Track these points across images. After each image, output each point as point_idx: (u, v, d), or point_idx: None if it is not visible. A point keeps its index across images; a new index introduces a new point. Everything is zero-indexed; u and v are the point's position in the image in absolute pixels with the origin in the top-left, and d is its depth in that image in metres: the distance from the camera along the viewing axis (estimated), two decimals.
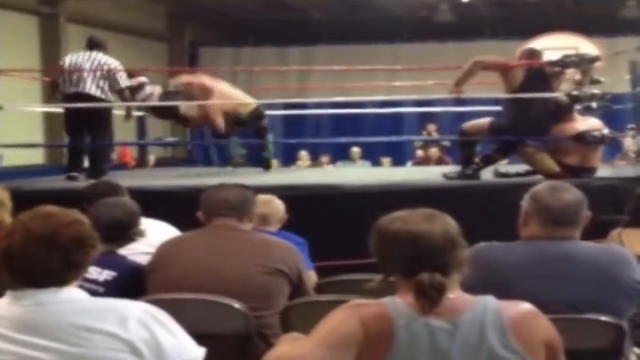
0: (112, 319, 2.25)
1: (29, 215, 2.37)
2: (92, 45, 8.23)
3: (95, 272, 3.44)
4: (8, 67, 10.37)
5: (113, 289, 3.41)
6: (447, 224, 2.38)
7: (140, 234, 3.91)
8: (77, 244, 2.33)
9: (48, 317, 2.26)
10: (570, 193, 3.17)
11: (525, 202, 3.20)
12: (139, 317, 2.28)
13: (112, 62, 8.07)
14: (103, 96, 7.99)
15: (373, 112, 13.01)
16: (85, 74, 7.93)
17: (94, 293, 3.19)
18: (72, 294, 2.33)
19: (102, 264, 3.43)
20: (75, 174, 7.83)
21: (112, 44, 8.36)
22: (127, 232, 3.84)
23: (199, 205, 3.93)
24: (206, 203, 3.87)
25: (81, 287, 2.40)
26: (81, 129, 8.09)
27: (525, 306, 2.35)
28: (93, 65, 7.99)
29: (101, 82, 7.98)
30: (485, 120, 7.03)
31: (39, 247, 2.28)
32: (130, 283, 3.53)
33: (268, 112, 10.47)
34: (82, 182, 7.16)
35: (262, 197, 4.49)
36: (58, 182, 7.88)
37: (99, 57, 8.07)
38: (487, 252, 3.11)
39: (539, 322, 2.35)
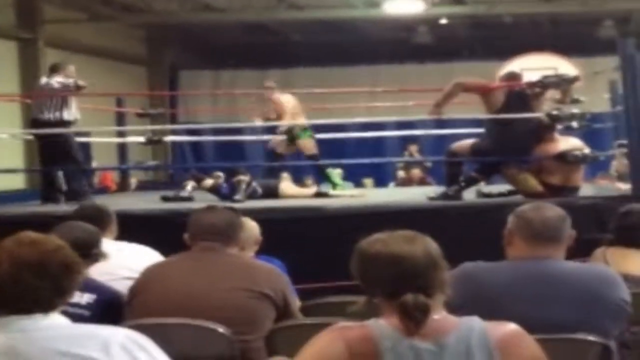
0: (95, 345, 2.22)
1: (13, 242, 2.33)
2: (49, 70, 8.30)
3: (77, 296, 3.42)
4: None
5: (97, 312, 3.46)
6: (427, 245, 2.37)
7: (103, 255, 3.84)
8: (66, 269, 2.32)
9: (31, 344, 2.23)
10: (552, 210, 3.21)
11: (509, 222, 3.21)
12: (122, 342, 2.25)
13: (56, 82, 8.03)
14: (52, 118, 7.95)
15: (355, 136, 13.00)
16: (40, 100, 8.02)
17: (80, 317, 3.26)
18: (55, 321, 2.30)
19: (81, 287, 3.40)
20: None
21: (92, 69, 8.35)
22: (90, 250, 3.75)
23: (180, 228, 3.89)
24: (192, 226, 3.82)
25: (67, 311, 2.39)
26: (46, 156, 8.11)
27: (512, 327, 2.34)
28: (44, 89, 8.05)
29: (50, 106, 7.95)
30: (472, 142, 7.06)
31: (29, 275, 2.26)
32: (110, 307, 3.56)
33: (250, 137, 10.38)
34: (61, 207, 7.12)
35: None
36: (38, 207, 7.81)
37: (47, 80, 8.09)
38: (473, 272, 3.10)
39: (525, 343, 2.33)
